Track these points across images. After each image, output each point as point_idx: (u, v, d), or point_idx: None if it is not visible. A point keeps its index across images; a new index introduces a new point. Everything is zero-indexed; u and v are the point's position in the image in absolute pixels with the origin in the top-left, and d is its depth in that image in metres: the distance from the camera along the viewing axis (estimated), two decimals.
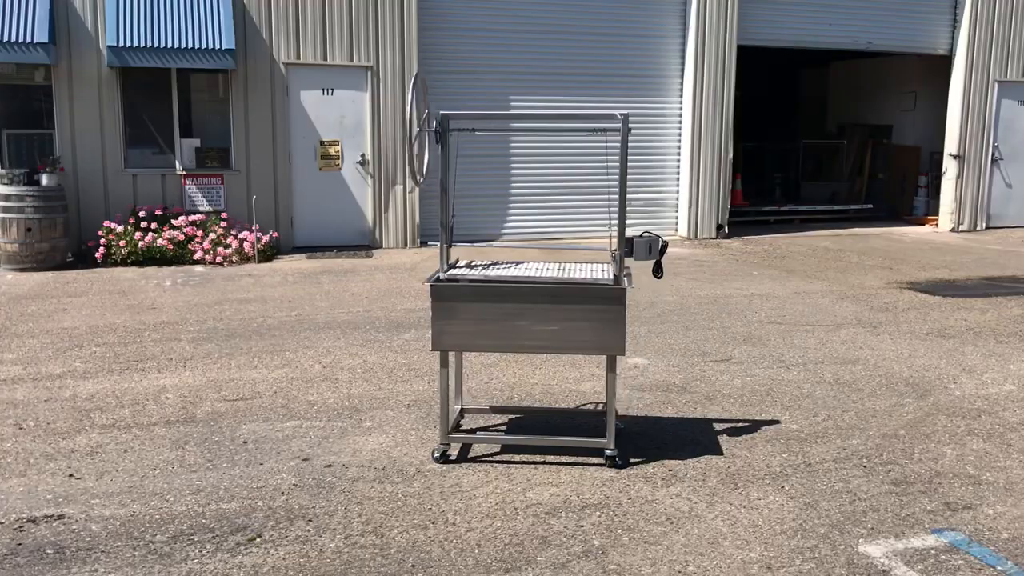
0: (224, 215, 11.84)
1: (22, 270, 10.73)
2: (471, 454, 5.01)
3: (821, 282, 10.48)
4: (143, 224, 11.34)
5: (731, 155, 14.16)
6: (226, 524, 4.13)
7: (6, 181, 10.80)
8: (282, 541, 3.97)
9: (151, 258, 11.22)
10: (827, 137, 18.72)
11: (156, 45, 11.05)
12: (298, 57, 12.08)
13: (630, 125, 4.76)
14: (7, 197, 10.68)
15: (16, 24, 10.72)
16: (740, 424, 5.56)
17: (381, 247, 12.64)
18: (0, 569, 3.71)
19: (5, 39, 10.59)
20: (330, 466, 4.85)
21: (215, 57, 11.24)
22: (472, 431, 5.42)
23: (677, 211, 14.34)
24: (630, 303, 9.21)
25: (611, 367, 4.75)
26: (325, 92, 12.26)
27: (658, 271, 5.08)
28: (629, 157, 13.64)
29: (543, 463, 4.88)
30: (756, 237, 14.41)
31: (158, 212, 11.59)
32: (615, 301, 4.61)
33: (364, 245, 12.62)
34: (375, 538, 4.00)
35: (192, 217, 11.57)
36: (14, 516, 4.20)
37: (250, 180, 12.08)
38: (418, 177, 4.94)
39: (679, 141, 14.16)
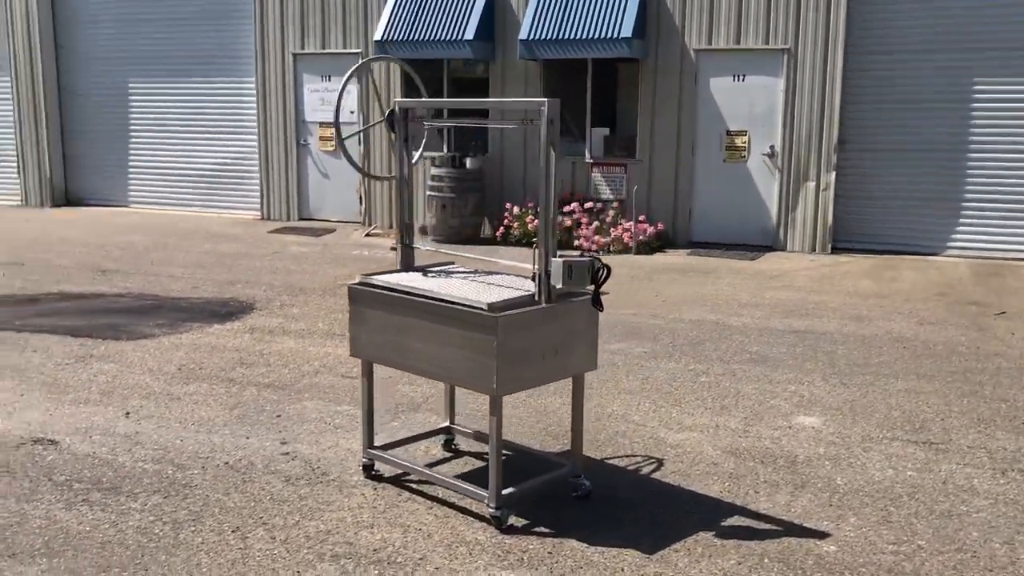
0: (615, 204, 11.89)
1: (436, 241, 12.21)
2: (410, 476, 4.56)
3: None
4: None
5: None
6: (116, 480, 4.48)
7: (437, 163, 12.36)
8: (115, 507, 4.18)
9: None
10: None
11: (561, 37, 11.51)
12: (709, 42, 11.44)
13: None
14: (432, 177, 12.24)
15: (452, 24, 12.11)
16: (762, 527, 4.05)
17: (784, 249, 11.40)
18: None
19: (441, 38, 12.07)
20: (286, 454, 4.86)
21: (613, 46, 11.27)
22: (461, 453, 4.89)
23: None
24: (944, 354, 6.99)
25: (492, 408, 3.89)
26: (736, 79, 11.42)
27: (596, 303, 3.97)
28: None
29: (450, 504, 4.23)
30: None
31: None
32: (485, 330, 3.78)
33: (765, 246, 11.51)
34: (167, 529, 3.98)
35: (587, 204, 11.85)
36: (36, 435, 5.12)
37: (652, 170, 11.90)
38: (361, 169, 4.63)
39: None
